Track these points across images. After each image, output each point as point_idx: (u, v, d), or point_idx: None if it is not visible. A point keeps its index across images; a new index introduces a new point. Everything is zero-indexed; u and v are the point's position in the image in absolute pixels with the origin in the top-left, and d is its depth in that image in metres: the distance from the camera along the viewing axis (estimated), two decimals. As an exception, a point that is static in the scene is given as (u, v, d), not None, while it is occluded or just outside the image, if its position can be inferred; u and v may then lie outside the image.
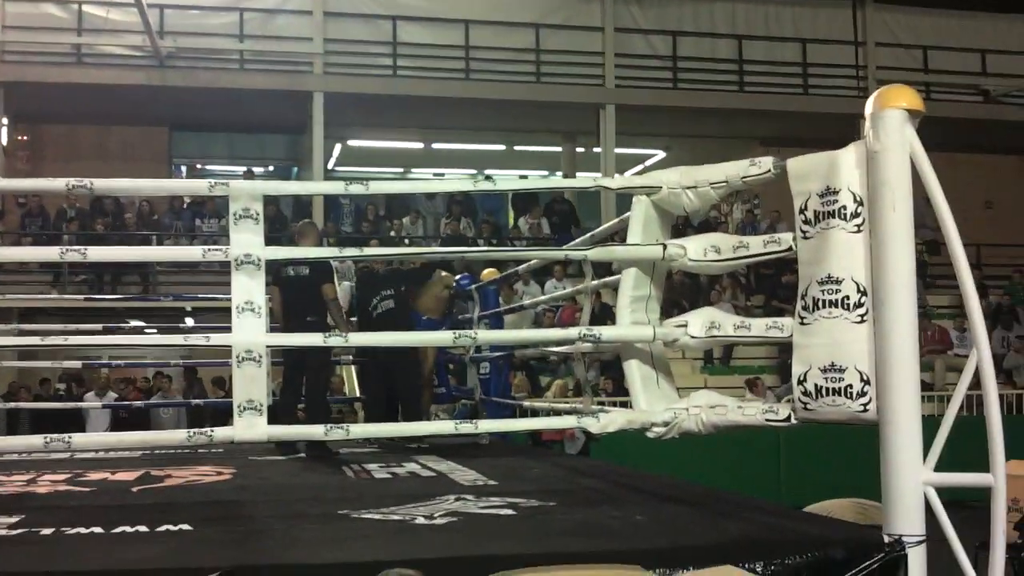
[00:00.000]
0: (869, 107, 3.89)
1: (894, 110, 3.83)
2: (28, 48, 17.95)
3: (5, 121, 18.54)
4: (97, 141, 19.79)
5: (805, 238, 4.13)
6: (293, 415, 8.53)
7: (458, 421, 6.04)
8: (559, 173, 22.14)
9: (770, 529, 4.34)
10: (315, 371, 8.51)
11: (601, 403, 9.00)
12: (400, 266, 9.65)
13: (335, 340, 4.99)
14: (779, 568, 3.61)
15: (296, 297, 8.30)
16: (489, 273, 10.20)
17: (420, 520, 4.52)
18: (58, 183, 4.62)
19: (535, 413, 9.18)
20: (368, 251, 6.05)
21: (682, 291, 16.26)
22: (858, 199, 3.92)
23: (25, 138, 19.79)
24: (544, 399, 11.54)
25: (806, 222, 4.11)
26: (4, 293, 14.53)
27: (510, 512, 4.77)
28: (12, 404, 12.12)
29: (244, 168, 20.97)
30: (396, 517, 4.62)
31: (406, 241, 18.17)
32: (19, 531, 4.33)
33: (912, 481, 3.76)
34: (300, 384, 8.57)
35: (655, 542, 4.04)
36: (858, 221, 3.92)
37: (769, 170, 4.41)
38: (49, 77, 17.73)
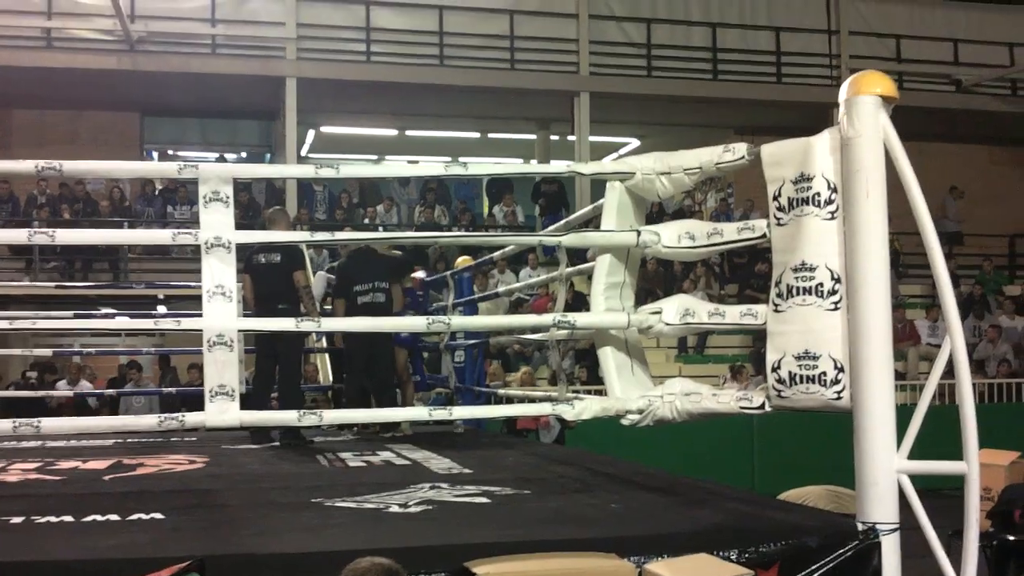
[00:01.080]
0: (843, 93, 3.89)
1: (868, 96, 3.83)
2: (-3, 32, 17.74)
3: (-27, 106, 18.35)
4: (67, 126, 19.56)
5: (779, 225, 4.12)
6: (266, 404, 8.48)
7: (432, 408, 6.01)
8: (533, 161, 22.09)
9: (744, 517, 4.34)
10: (288, 359, 8.45)
11: (576, 391, 9.00)
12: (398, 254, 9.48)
13: (308, 324, 4.95)
14: (753, 556, 3.62)
15: (267, 284, 8.20)
16: (463, 261, 10.16)
17: (394, 508, 4.50)
18: (27, 165, 4.58)
19: (510, 401, 9.16)
20: (340, 236, 6.01)
21: (655, 280, 16.27)
22: (832, 186, 3.92)
23: (-6, 123, 19.59)
24: (510, 387, 11.53)
25: (780, 209, 4.11)
26: (-27, 280, 14.41)
27: (485, 500, 4.76)
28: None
29: (216, 154, 20.82)
30: (370, 505, 4.61)
31: (380, 229, 18.09)
32: (-12, 520, 4.29)
33: (886, 469, 3.77)
34: (273, 373, 8.51)
35: (630, 530, 4.04)
36: (832, 208, 3.92)
37: (743, 156, 4.41)
38: (18, 61, 17.50)
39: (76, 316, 9.98)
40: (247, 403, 6.25)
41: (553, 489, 5.38)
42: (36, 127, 19.47)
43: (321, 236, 5.57)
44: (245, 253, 8.32)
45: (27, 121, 19.64)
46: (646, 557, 3.44)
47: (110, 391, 12.85)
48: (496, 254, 9.40)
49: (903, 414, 3.77)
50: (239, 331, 4.55)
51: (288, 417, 5.19)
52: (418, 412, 6.37)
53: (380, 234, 9.55)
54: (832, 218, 3.91)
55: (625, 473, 6.02)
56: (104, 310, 14.21)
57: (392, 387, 9.09)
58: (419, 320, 5.98)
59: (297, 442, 7.96)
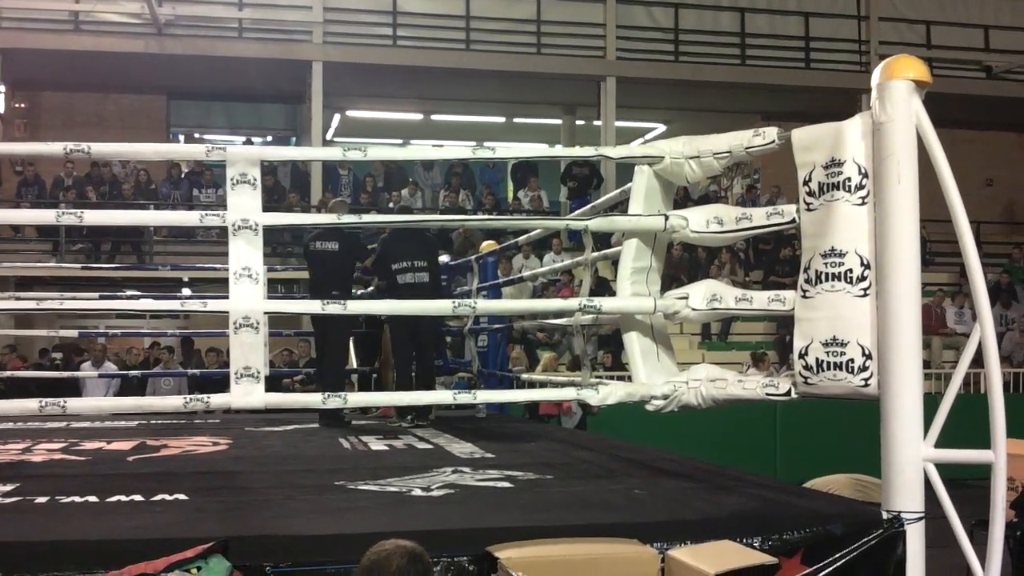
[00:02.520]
0: (876, 77, 3.85)
1: (901, 81, 3.79)
2: (26, 14, 17.81)
3: (2, 88, 18.42)
4: (95, 109, 19.67)
5: (809, 210, 4.09)
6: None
7: (456, 391, 6.01)
8: (559, 146, 22.02)
9: (768, 504, 4.32)
10: (335, 343, 8.64)
11: (599, 377, 8.97)
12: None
13: (333, 308, 4.94)
14: (777, 543, 3.60)
15: (322, 272, 8.42)
16: (488, 245, 10.14)
17: (417, 492, 4.51)
18: (56, 147, 4.58)
19: (532, 386, 9.15)
20: (367, 218, 6.01)
21: (679, 267, 16.18)
22: (863, 171, 3.88)
23: (22, 105, 19.65)
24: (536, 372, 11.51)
25: (810, 194, 4.07)
26: (1, 261, 14.49)
27: (507, 485, 4.76)
28: (8, 373, 12.08)
29: (242, 138, 20.85)
30: (393, 489, 4.61)
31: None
32: (14, 499, 4.33)
33: (912, 457, 3.74)
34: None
35: (653, 516, 4.03)
36: (863, 193, 3.88)
37: (773, 140, 4.37)
38: (47, 44, 17.58)
39: (102, 297, 10.04)
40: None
41: (576, 474, 5.38)
42: (64, 110, 19.58)
43: (348, 219, 5.55)
44: (303, 240, 8.53)
45: (55, 104, 19.74)
46: (669, 543, 3.43)
47: (135, 372, 12.90)
48: (521, 238, 9.38)
49: (928, 403, 3.74)
50: (265, 313, 4.54)
51: (312, 400, 5.20)
52: (443, 396, 6.36)
53: (407, 216, 9.51)
54: (863, 203, 3.87)
55: (648, 459, 6.01)
56: (129, 292, 14.27)
57: (433, 372, 9.00)
58: (445, 303, 5.96)
59: (335, 423, 8.14)
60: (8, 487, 4.59)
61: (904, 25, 20.72)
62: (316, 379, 8.59)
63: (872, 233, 3.85)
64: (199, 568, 2.96)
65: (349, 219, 5.14)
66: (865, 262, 3.86)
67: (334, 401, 4.87)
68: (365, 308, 7.08)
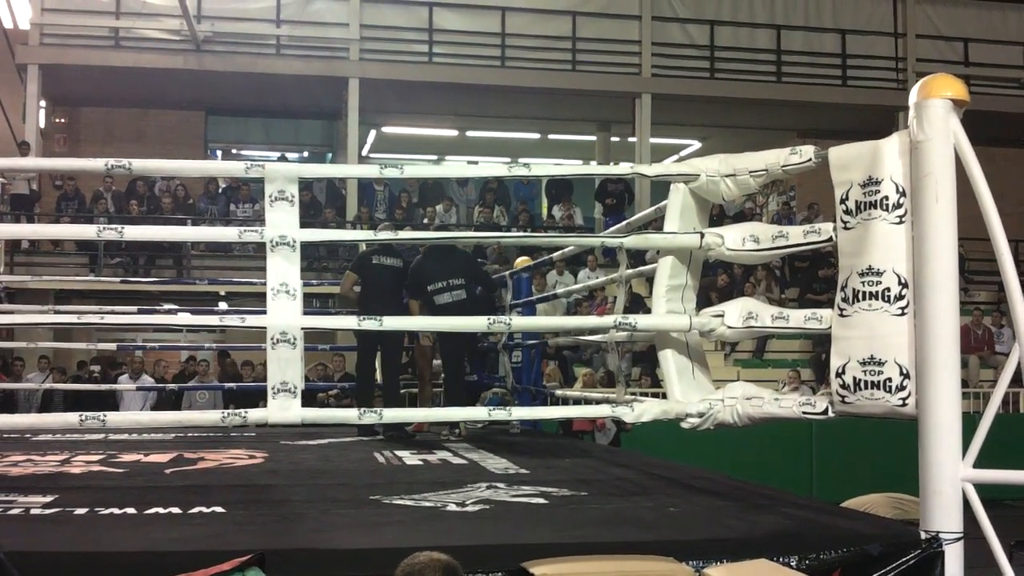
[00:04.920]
0: (913, 96, 3.84)
1: (939, 100, 3.78)
2: (67, 31, 18.05)
3: (43, 104, 18.64)
4: (134, 125, 19.87)
5: (846, 229, 4.08)
6: (370, 399, 8.83)
7: (491, 407, 6.02)
8: (593, 163, 22.02)
9: (805, 523, 4.30)
10: (390, 359, 8.77)
11: (633, 394, 8.95)
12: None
13: (369, 324, 4.97)
14: (814, 562, 3.58)
15: (380, 286, 8.47)
16: (522, 261, 10.16)
17: (452, 507, 4.51)
18: (97, 162, 4.65)
19: (566, 402, 9.14)
20: (403, 234, 6.05)
21: (723, 291, 15.99)
22: (901, 190, 3.87)
23: (63, 121, 19.88)
24: (573, 389, 11.49)
25: (847, 212, 4.06)
26: (40, 275, 14.65)
27: (542, 501, 4.76)
28: (47, 385, 12.22)
29: (279, 153, 21.00)
30: (428, 503, 4.62)
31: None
32: (53, 510, 4.37)
33: (951, 477, 3.71)
34: (374, 370, 8.85)
35: (689, 534, 4.02)
36: (900, 212, 3.87)
37: (810, 159, 4.37)
38: (87, 60, 17.80)
39: (140, 311, 10.13)
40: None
41: (610, 491, 5.36)
42: (103, 125, 19.79)
43: (384, 235, 5.59)
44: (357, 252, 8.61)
45: (95, 119, 19.96)
46: (705, 561, 3.42)
47: (171, 386, 13.01)
48: (555, 255, 9.39)
49: (965, 422, 3.71)
50: (302, 329, 4.57)
51: (348, 415, 5.23)
52: (478, 412, 6.39)
53: (443, 233, 9.57)
54: (900, 222, 3.86)
55: (683, 476, 5.99)
56: (167, 306, 14.38)
57: (462, 377, 9.08)
58: (480, 320, 5.98)
59: (400, 435, 8.31)
60: (48, 498, 4.65)
61: (942, 42, 20.57)
62: (357, 394, 8.75)
63: (910, 252, 3.84)
64: (236, 581, 2.98)
65: (385, 235, 5.17)
66: (903, 281, 3.85)
67: (370, 416, 4.89)
68: (401, 325, 7.11)
